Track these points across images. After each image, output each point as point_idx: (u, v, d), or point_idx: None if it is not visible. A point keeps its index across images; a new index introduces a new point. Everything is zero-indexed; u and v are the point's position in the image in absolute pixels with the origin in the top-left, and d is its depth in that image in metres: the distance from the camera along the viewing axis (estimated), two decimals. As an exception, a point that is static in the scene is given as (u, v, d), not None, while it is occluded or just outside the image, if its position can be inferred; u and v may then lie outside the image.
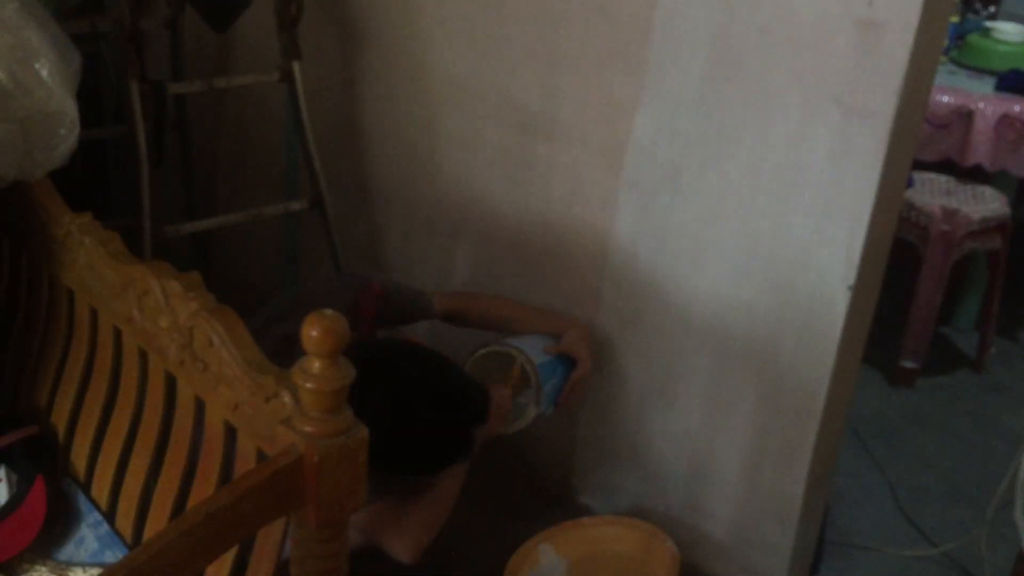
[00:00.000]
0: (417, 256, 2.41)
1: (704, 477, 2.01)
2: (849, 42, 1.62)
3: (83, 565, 1.44)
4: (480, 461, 1.75)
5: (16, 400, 1.65)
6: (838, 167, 1.69)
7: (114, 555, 1.42)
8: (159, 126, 2.39)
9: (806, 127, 1.71)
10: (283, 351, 1.31)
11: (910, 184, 2.97)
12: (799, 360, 1.82)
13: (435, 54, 2.23)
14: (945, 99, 3.04)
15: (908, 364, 3.06)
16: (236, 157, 2.84)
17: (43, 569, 1.43)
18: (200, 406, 1.29)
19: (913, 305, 3.02)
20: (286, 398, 1.10)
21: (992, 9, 3.74)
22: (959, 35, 3.43)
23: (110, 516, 1.45)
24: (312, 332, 1.02)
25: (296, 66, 2.32)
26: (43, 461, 1.54)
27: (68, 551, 1.46)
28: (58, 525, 1.48)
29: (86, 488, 1.50)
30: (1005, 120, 2.99)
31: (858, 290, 1.74)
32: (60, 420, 1.56)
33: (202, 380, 1.25)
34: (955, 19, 3.48)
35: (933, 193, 3.07)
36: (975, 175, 3.14)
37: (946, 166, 3.15)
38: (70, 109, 1.51)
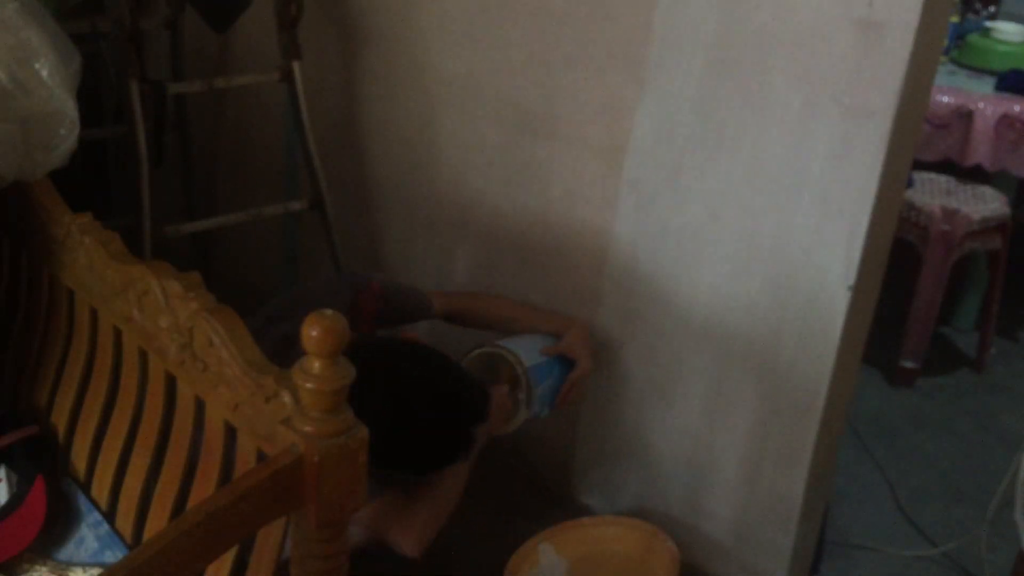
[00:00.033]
0: (417, 256, 2.41)
1: (704, 477, 2.01)
2: (849, 42, 1.63)
3: (83, 565, 1.44)
4: (480, 461, 1.75)
5: (16, 400, 1.65)
6: (838, 167, 1.69)
7: (114, 555, 1.42)
8: (159, 126, 2.39)
9: (806, 127, 1.71)
10: (283, 351, 1.31)
11: (910, 184, 2.97)
12: (799, 360, 1.82)
13: (435, 54, 2.23)
14: (945, 99, 3.04)
15: (908, 364, 3.06)
16: (236, 157, 2.84)
17: (43, 569, 1.43)
18: (200, 406, 1.29)
19: (913, 305, 3.02)
20: (286, 398, 1.10)
21: (992, 9, 3.74)
22: (959, 35, 3.43)
23: (110, 516, 1.45)
24: (312, 332, 1.02)
25: (296, 66, 2.32)
26: (43, 461, 1.54)
27: (68, 551, 1.46)
28: (58, 525, 1.48)
29: (86, 488, 1.50)
30: (1005, 120, 2.99)
31: (858, 290, 1.74)
32: (60, 420, 1.56)
33: (202, 380, 1.25)
34: (955, 19, 3.48)
35: (933, 193, 3.08)
36: (975, 175, 3.14)
37: (946, 166, 3.15)
38: (70, 109, 1.51)
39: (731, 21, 1.75)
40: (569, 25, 1.97)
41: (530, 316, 2.00)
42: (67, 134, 1.51)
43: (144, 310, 1.33)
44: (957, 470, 2.69)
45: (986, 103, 3.01)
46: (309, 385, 1.04)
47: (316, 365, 1.03)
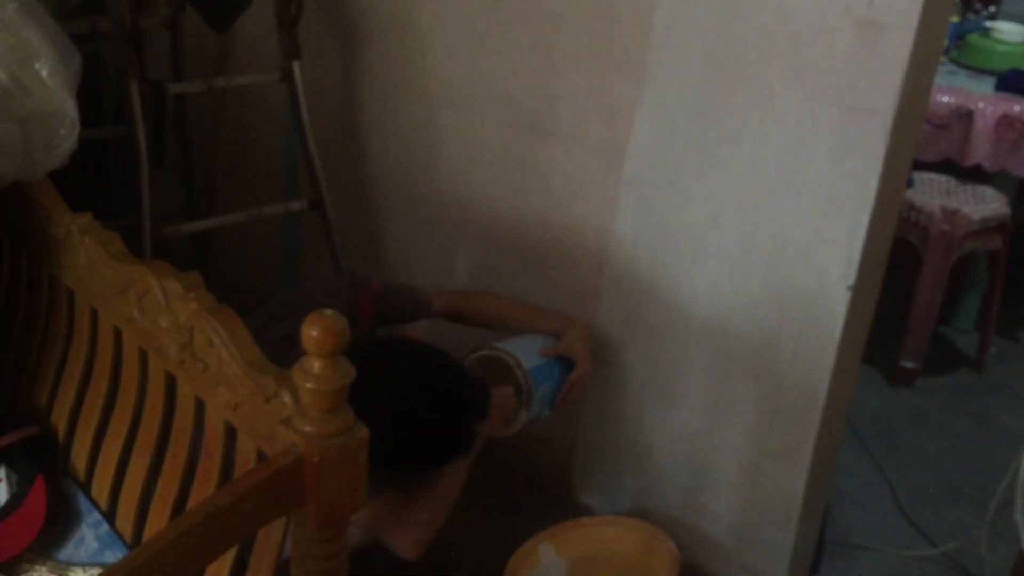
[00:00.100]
0: (417, 256, 2.41)
1: (704, 477, 2.01)
2: (849, 42, 1.63)
3: (83, 565, 1.44)
4: (480, 461, 1.75)
5: (16, 400, 1.65)
6: (838, 167, 1.69)
7: (114, 555, 1.42)
8: (159, 126, 2.39)
9: (806, 127, 1.71)
10: (283, 351, 1.31)
11: (910, 184, 2.97)
12: (799, 360, 1.82)
13: (435, 54, 2.23)
14: (945, 99, 3.04)
15: (908, 364, 3.06)
16: (236, 157, 2.84)
17: (43, 569, 1.43)
18: (200, 406, 1.29)
19: (913, 305, 3.02)
20: (286, 398, 1.10)
21: (992, 9, 3.74)
22: (959, 35, 3.43)
23: (110, 516, 1.45)
24: (312, 332, 1.02)
25: (296, 66, 2.32)
26: (43, 461, 1.54)
27: (68, 551, 1.46)
28: (58, 525, 1.48)
29: (86, 488, 1.50)
30: (1005, 120, 2.99)
31: (858, 290, 1.74)
32: (60, 420, 1.56)
33: (202, 380, 1.25)
34: (955, 19, 3.48)
35: (933, 193, 3.08)
36: (975, 175, 3.15)
37: (946, 166, 3.15)
38: (70, 109, 1.51)
39: (731, 21, 1.75)
40: (569, 25, 1.97)
41: (530, 316, 2.00)
42: (67, 134, 1.51)
43: (144, 310, 1.33)
44: (957, 470, 2.69)
45: (986, 103, 3.01)
46: (309, 385, 1.04)
47: (316, 365, 1.03)
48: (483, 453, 1.76)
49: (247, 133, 2.78)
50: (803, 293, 1.78)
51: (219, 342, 1.20)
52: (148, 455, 1.38)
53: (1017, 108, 2.98)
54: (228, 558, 1.21)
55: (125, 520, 1.42)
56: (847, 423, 2.15)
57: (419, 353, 1.63)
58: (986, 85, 3.14)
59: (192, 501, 1.29)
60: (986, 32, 3.38)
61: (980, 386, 3.14)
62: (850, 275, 1.72)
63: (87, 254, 1.45)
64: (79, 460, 1.52)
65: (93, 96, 2.62)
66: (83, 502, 1.49)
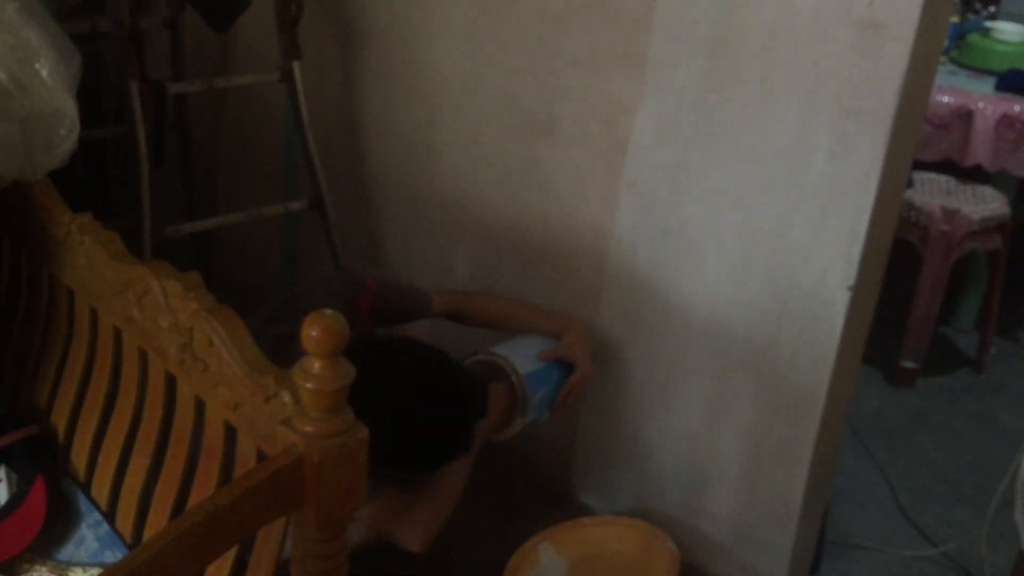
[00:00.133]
0: (417, 256, 2.41)
1: (704, 477, 2.01)
2: (849, 42, 1.63)
3: (83, 565, 1.44)
4: (480, 461, 1.75)
5: (16, 400, 1.65)
6: (838, 167, 1.69)
7: (114, 555, 1.42)
8: (159, 126, 2.39)
9: (806, 127, 1.71)
10: (281, 351, 1.31)
11: (910, 184, 2.97)
12: (799, 360, 1.82)
13: (435, 54, 2.23)
14: (945, 99, 3.04)
15: (908, 364, 3.06)
16: (236, 157, 2.84)
17: (43, 569, 1.43)
18: (200, 406, 1.29)
19: (913, 305, 3.02)
20: (286, 398, 1.10)
21: (992, 9, 3.74)
22: (959, 35, 3.43)
23: (110, 516, 1.45)
24: (312, 332, 1.02)
25: (296, 66, 2.32)
26: (43, 461, 1.54)
27: (68, 551, 1.46)
28: (58, 525, 1.48)
29: (86, 488, 1.50)
30: (1005, 120, 2.99)
31: (858, 290, 1.74)
32: (60, 420, 1.56)
33: (202, 380, 1.25)
34: (955, 19, 3.48)
35: (933, 193, 3.08)
36: (975, 175, 3.15)
37: (946, 166, 3.15)
38: (70, 109, 1.51)
39: (731, 21, 1.75)
40: (569, 25, 1.97)
41: (530, 316, 1.99)
42: (67, 134, 1.51)
43: (144, 310, 1.33)
44: (957, 470, 2.69)
45: (986, 103, 3.01)
46: (309, 385, 1.04)
47: (316, 365, 1.03)
48: (483, 453, 1.77)
49: (247, 133, 2.78)
50: (803, 293, 1.78)
51: (219, 342, 1.20)
52: (148, 455, 1.38)
53: (1017, 108, 2.98)
54: (228, 558, 1.21)
55: (125, 520, 1.42)
56: (847, 423, 2.15)
57: (418, 352, 1.63)
58: (986, 85, 3.14)
59: (192, 501, 1.30)
60: (986, 32, 3.38)
61: (980, 386, 3.14)
62: (850, 275, 1.72)
63: (87, 254, 1.45)
64: (79, 460, 1.52)
65: (93, 96, 2.62)
66: (83, 502, 1.49)
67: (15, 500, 1.47)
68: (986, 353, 3.21)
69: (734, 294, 1.87)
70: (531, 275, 2.16)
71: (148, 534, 1.37)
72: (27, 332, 1.64)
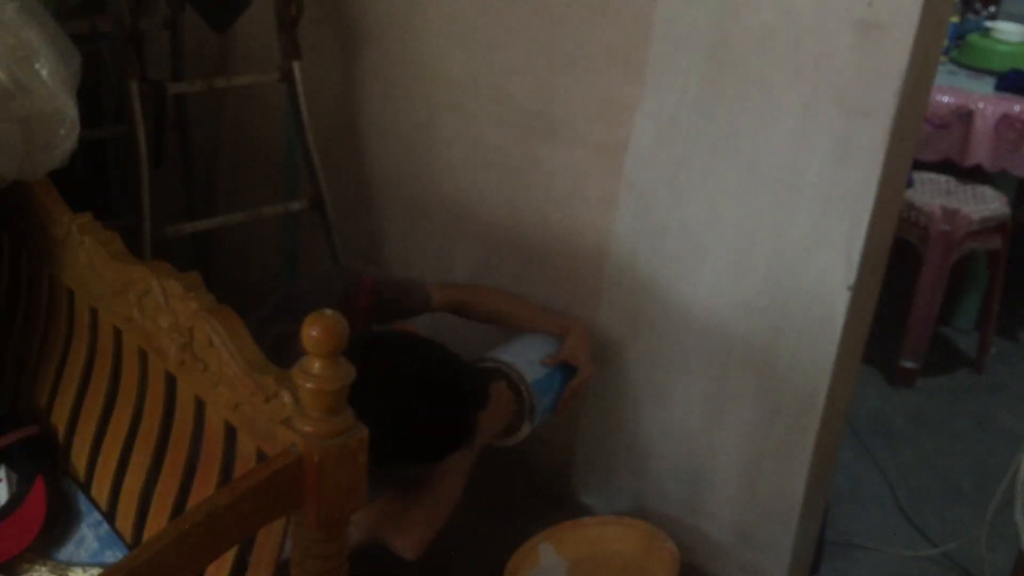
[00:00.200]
0: (417, 256, 2.41)
1: (704, 477, 2.01)
2: (849, 42, 1.63)
3: (83, 565, 1.44)
4: (480, 462, 1.75)
5: (16, 400, 1.65)
6: (838, 167, 1.69)
7: (114, 555, 1.42)
8: (159, 126, 2.39)
9: (806, 127, 1.71)
10: (281, 351, 1.31)
11: (910, 184, 2.97)
12: (799, 360, 1.82)
13: (435, 54, 2.23)
14: (945, 99, 3.04)
15: (908, 364, 3.06)
16: (236, 157, 2.84)
17: (43, 569, 1.43)
18: (200, 406, 1.29)
19: (913, 305, 3.02)
20: (286, 398, 1.10)
21: (992, 9, 3.74)
22: (959, 35, 3.43)
23: (110, 516, 1.45)
24: (312, 332, 1.02)
25: (296, 66, 2.32)
26: (43, 461, 1.54)
27: (68, 551, 1.46)
28: (58, 525, 1.48)
29: (86, 488, 1.50)
30: (1005, 120, 2.99)
31: (858, 290, 1.74)
32: (60, 420, 1.56)
33: (202, 380, 1.25)
34: (955, 19, 3.48)
35: (933, 193, 3.08)
36: (975, 175, 3.15)
37: (946, 166, 3.15)
38: (70, 109, 1.51)
39: (731, 21, 1.75)
40: (569, 25, 1.97)
41: (531, 314, 1.99)
42: (67, 134, 1.51)
43: (144, 310, 1.33)
44: (957, 470, 2.69)
45: (986, 103, 3.01)
46: (309, 385, 1.04)
47: (316, 365, 1.03)
48: (483, 453, 1.76)
49: (247, 133, 2.78)
50: (803, 293, 1.78)
51: (219, 342, 1.20)
52: (148, 455, 1.38)
53: (1017, 108, 2.98)
54: (228, 558, 1.21)
55: (125, 520, 1.42)
56: (847, 423, 2.15)
57: (417, 347, 1.63)
58: (986, 85, 3.14)
59: (192, 501, 1.30)
60: (986, 32, 3.38)
61: (980, 386, 3.14)
62: (850, 275, 1.72)
63: (87, 254, 1.45)
64: (79, 460, 1.52)
65: (93, 96, 2.62)
66: (83, 502, 1.49)
67: (15, 500, 1.47)
68: (986, 353, 3.21)
69: (734, 294, 1.87)
70: (531, 275, 2.16)
71: (148, 534, 1.37)
72: (27, 332, 1.64)
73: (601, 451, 2.17)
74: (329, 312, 1.03)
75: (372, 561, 1.57)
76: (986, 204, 3.03)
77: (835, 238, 1.72)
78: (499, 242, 2.21)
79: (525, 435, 1.88)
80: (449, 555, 1.76)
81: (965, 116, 3.02)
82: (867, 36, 1.60)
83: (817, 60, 1.67)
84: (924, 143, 3.01)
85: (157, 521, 1.35)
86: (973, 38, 3.37)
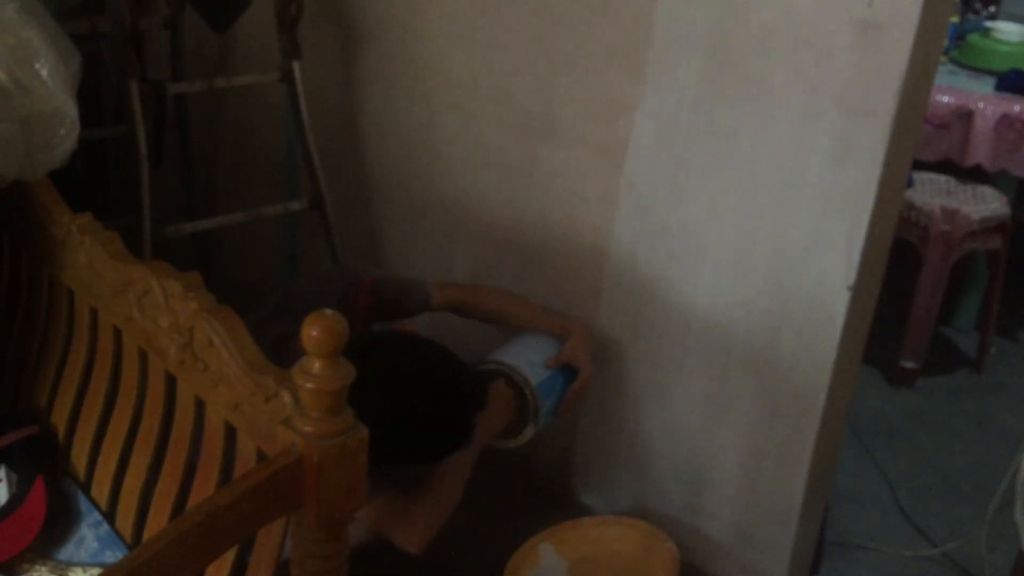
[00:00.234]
0: (417, 256, 2.41)
1: (704, 477, 2.01)
2: (849, 42, 1.62)
3: (83, 565, 1.44)
4: (480, 462, 1.75)
5: (16, 400, 1.65)
6: (838, 167, 1.69)
7: (114, 555, 1.42)
8: (159, 126, 2.39)
9: (806, 127, 1.71)
10: (281, 351, 1.31)
11: (910, 184, 2.97)
12: (799, 360, 1.82)
13: (435, 54, 2.23)
14: (945, 99, 3.04)
15: (908, 364, 3.06)
16: (236, 157, 2.84)
17: (43, 569, 1.43)
18: (200, 406, 1.29)
19: (913, 305, 3.02)
20: (286, 398, 1.10)
21: (992, 9, 3.74)
22: (959, 35, 3.43)
23: (110, 516, 1.45)
24: (312, 332, 1.02)
25: (296, 66, 2.32)
26: (43, 461, 1.54)
27: (68, 551, 1.46)
28: (58, 525, 1.48)
29: (86, 488, 1.50)
30: (1005, 120, 2.99)
31: (858, 290, 1.74)
32: (60, 420, 1.56)
33: (202, 380, 1.25)
34: (955, 19, 3.48)
35: (933, 193, 3.08)
36: (975, 175, 3.15)
37: (946, 166, 3.15)
38: (70, 109, 1.51)
39: (731, 21, 1.74)
40: (569, 25, 1.97)
41: (531, 314, 1.99)
42: (67, 134, 1.51)
43: (144, 310, 1.33)
44: (957, 470, 2.69)
45: (986, 103, 3.01)
46: (309, 385, 1.04)
47: (316, 365, 1.03)
48: (484, 454, 1.77)
49: (247, 133, 2.78)
50: (803, 293, 1.78)
51: (219, 342, 1.20)
52: (148, 455, 1.38)
53: (1017, 108, 2.98)
54: (228, 558, 1.21)
55: (125, 520, 1.42)
56: (847, 423, 2.15)
57: (417, 346, 1.64)
58: (986, 85, 3.14)
59: (192, 501, 1.30)
60: (986, 32, 3.38)
61: (980, 386, 3.14)
62: (850, 275, 1.72)
63: (87, 254, 1.45)
64: (79, 460, 1.52)
65: (93, 96, 2.62)
66: (83, 502, 1.49)
67: (15, 500, 1.47)
68: (986, 353, 3.21)
69: (734, 294, 1.87)
70: (531, 275, 2.16)
71: (148, 534, 1.37)
72: (27, 332, 1.64)
73: (601, 451, 2.17)
74: (329, 312, 1.03)
75: (372, 561, 1.57)
76: (986, 204, 3.03)
77: (835, 238, 1.72)
78: (499, 242, 2.21)
79: (528, 437, 1.88)
80: (449, 555, 1.76)
81: (965, 116, 3.02)
82: (867, 36, 1.60)
83: (817, 60, 1.67)
84: (924, 143, 3.01)
85: (157, 521, 1.35)
86: (973, 38, 3.36)
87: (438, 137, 2.27)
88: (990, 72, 3.21)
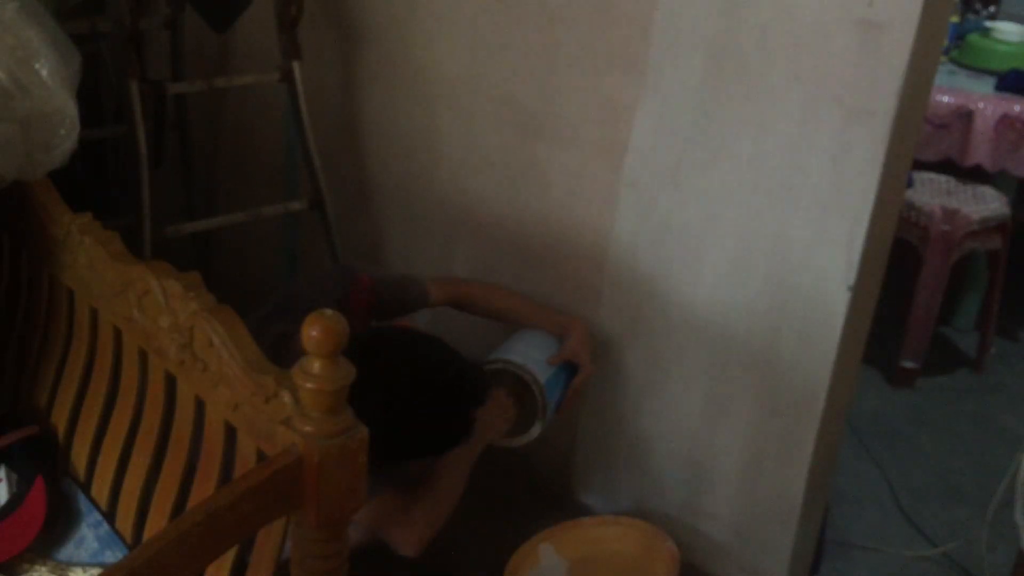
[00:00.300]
0: (417, 256, 2.41)
1: (704, 477, 2.01)
2: (849, 42, 1.62)
3: (83, 565, 1.44)
4: (480, 461, 1.75)
5: (16, 400, 1.65)
6: (838, 167, 1.69)
7: (114, 555, 1.42)
8: (159, 126, 2.39)
9: (806, 127, 1.71)
10: (281, 351, 1.31)
11: (910, 184, 2.97)
12: (799, 360, 1.82)
13: (435, 54, 2.23)
14: (945, 99, 3.04)
15: (908, 364, 3.06)
16: (236, 157, 2.84)
17: (43, 569, 1.43)
18: (200, 406, 1.29)
19: (913, 305, 3.02)
20: (286, 398, 1.10)
21: (992, 9, 3.74)
22: (959, 35, 3.43)
23: (110, 516, 1.45)
24: (312, 332, 1.02)
25: (296, 66, 2.32)
26: (43, 461, 1.54)
27: (68, 551, 1.46)
28: (58, 525, 1.48)
29: (86, 488, 1.50)
30: (1005, 120, 2.99)
31: (858, 290, 1.74)
32: (60, 420, 1.56)
33: (202, 380, 1.25)
34: (955, 19, 3.48)
35: (933, 193, 3.07)
36: (975, 175, 3.14)
37: (946, 166, 3.15)
38: (70, 109, 1.51)
39: (731, 21, 1.75)
40: (569, 25, 1.97)
41: (531, 312, 2.00)
42: (67, 134, 1.51)
43: (144, 310, 1.33)
44: (957, 470, 2.69)
45: (986, 103, 3.01)
46: (309, 385, 1.04)
47: (316, 365, 1.03)
48: (484, 454, 1.77)
49: (247, 133, 2.78)
50: (803, 293, 1.78)
51: (219, 342, 1.20)
52: (148, 455, 1.38)
53: (1017, 108, 2.98)
54: (228, 558, 1.21)
55: (125, 520, 1.42)
56: (847, 423, 2.15)
57: (416, 342, 1.64)
58: (986, 85, 3.14)
59: (192, 501, 1.30)
60: (986, 32, 3.37)
61: (980, 386, 3.14)
62: (850, 275, 1.72)
63: (87, 254, 1.45)
64: (79, 460, 1.52)
65: (93, 96, 2.62)
66: (83, 502, 1.49)
67: (15, 500, 1.47)
68: (986, 353, 3.21)
69: (734, 294, 1.87)
70: (531, 275, 2.16)
71: (148, 534, 1.37)
72: (27, 332, 1.64)
73: (601, 451, 2.17)
74: (329, 312, 1.03)
75: (372, 561, 1.57)
76: (986, 204, 3.02)
77: (835, 238, 1.72)
78: (499, 242, 2.21)
79: (536, 435, 1.88)
80: (449, 555, 1.76)
81: (965, 116, 3.02)
82: (867, 36, 1.60)
83: (817, 60, 1.67)
84: (924, 143, 3.01)
85: (157, 521, 1.35)
86: (973, 38, 3.36)
87: (438, 137, 2.27)
88: (990, 72, 3.21)
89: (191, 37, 2.62)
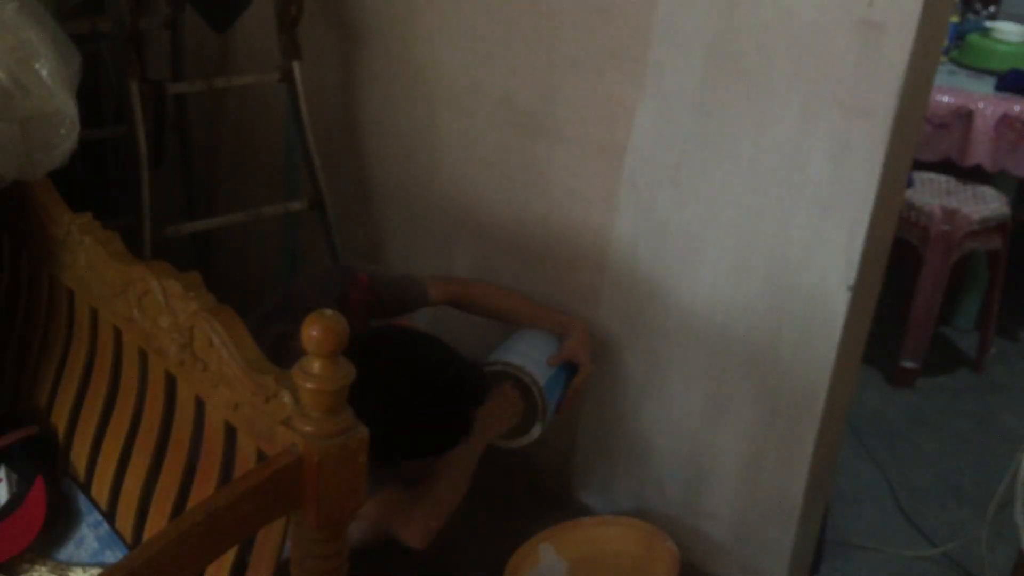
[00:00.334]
0: (417, 256, 2.41)
1: (704, 477, 2.01)
2: (849, 42, 1.62)
3: (83, 565, 1.44)
4: (481, 461, 1.75)
5: (16, 400, 1.65)
6: (838, 167, 1.69)
7: (114, 555, 1.42)
8: (159, 126, 2.39)
9: (806, 127, 1.71)
10: (281, 351, 1.31)
11: (910, 184, 2.97)
12: (799, 360, 1.82)
13: (435, 54, 2.23)
14: (945, 99, 3.04)
15: (908, 364, 3.06)
16: (236, 157, 2.84)
17: (43, 569, 1.43)
18: (200, 406, 1.29)
19: (913, 305, 3.02)
20: (286, 398, 1.10)
21: (992, 9, 3.74)
22: (959, 35, 3.43)
23: (110, 516, 1.45)
24: (312, 332, 1.02)
25: (296, 66, 2.32)
26: (43, 461, 1.54)
27: (68, 551, 1.46)
28: (58, 525, 1.48)
29: (86, 488, 1.50)
30: (1005, 120, 2.99)
31: (858, 290, 1.74)
32: (60, 420, 1.56)
33: (202, 380, 1.25)
34: (955, 19, 3.48)
35: (933, 193, 3.07)
36: (975, 175, 3.14)
37: (946, 166, 3.15)
38: (70, 109, 1.51)
39: (731, 21, 1.75)
40: (569, 25, 1.97)
41: (531, 312, 2.00)
42: (67, 134, 1.51)
43: (144, 310, 1.33)
44: (957, 470, 2.69)
45: (986, 103, 3.01)
46: (309, 385, 1.04)
47: (316, 365, 1.03)
48: (485, 454, 1.77)
49: (247, 133, 2.78)
50: (803, 293, 1.78)
51: (219, 342, 1.20)
52: (148, 455, 1.38)
53: (1017, 108, 2.98)
54: (228, 558, 1.21)
55: (125, 520, 1.42)
56: (847, 423, 2.15)
57: (416, 342, 1.64)
58: (986, 85, 3.14)
59: (192, 501, 1.30)
60: (986, 32, 3.37)
61: (980, 386, 3.14)
62: (850, 275, 1.72)
63: (87, 254, 1.45)
64: (79, 460, 1.52)
65: (93, 96, 2.62)
66: (83, 502, 1.49)
67: (15, 500, 1.47)
68: (986, 353, 3.21)
69: (734, 294, 1.87)
70: (531, 275, 2.16)
71: (148, 534, 1.37)
72: (27, 332, 1.64)
73: (601, 451, 2.17)
74: (329, 312, 1.03)
75: (372, 561, 1.57)
76: (986, 204, 3.02)
77: (835, 238, 1.72)
78: (499, 242, 2.21)
79: (536, 436, 1.88)
80: (450, 554, 1.76)
81: (965, 116, 3.02)
82: (867, 36, 1.60)
83: (817, 60, 1.67)
84: (924, 143, 3.00)
85: (157, 521, 1.35)
86: (973, 38, 3.36)
87: (438, 137, 2.27)
88: (990, 72, 3.21)
89: (191, 37, 2.62)
